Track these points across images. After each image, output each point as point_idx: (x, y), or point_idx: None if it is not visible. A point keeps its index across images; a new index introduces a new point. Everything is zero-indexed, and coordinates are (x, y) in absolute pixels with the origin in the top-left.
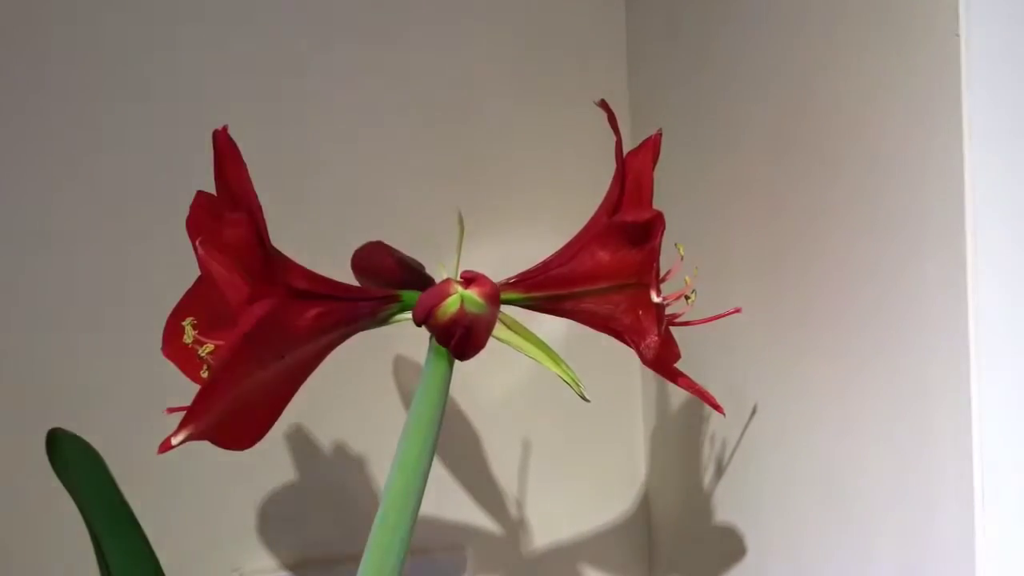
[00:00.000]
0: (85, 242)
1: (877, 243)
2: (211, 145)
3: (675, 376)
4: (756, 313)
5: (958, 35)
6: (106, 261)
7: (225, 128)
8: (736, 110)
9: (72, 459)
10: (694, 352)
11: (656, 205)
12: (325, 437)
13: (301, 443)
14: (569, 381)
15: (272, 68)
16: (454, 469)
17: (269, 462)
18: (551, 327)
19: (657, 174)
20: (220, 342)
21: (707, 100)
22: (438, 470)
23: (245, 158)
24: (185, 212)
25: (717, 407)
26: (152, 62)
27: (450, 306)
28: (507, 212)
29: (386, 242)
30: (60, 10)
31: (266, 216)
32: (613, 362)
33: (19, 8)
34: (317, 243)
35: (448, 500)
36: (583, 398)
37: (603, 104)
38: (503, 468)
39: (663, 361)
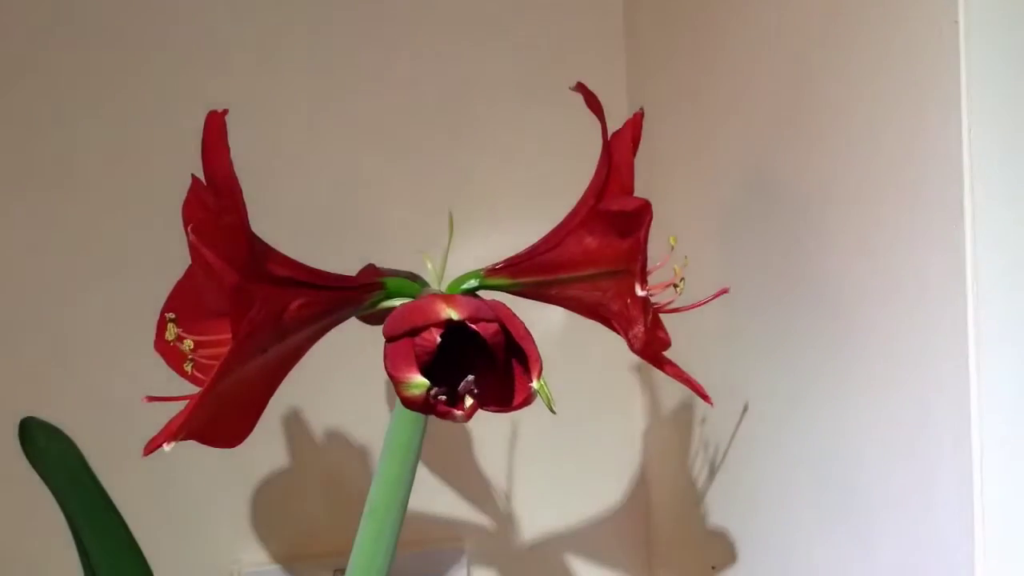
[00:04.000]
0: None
1: (876, 235)
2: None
3: (663, 364)
4: (755, 308)
5: (957, 22)
6: (90, 250)
7: (223, 112)
8: (735, 106)
9: (46, 449)
10: (693, 346)
11: (658, 198)
12: (320, 428)
13: (296, 435)
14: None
15: (273, 67)
16: (452, 462)
17: (265, 454)
18: (549, 320)
19: (659, 169)
20: (204, 337)
21: (705, 97)
22: (436, 463)
23: (247, 155)
24: (172, 201)
25: (705, 396)
26: (150, 58)
27: (413, 388)
28: (506, 209)
29: (384, 241)
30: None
31: (265, 213)
32: (612, 357)
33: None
34: (316, 240)
35: (446, 493)
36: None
37: (580, 87)
38: (501, 461)
39: (651, 349)
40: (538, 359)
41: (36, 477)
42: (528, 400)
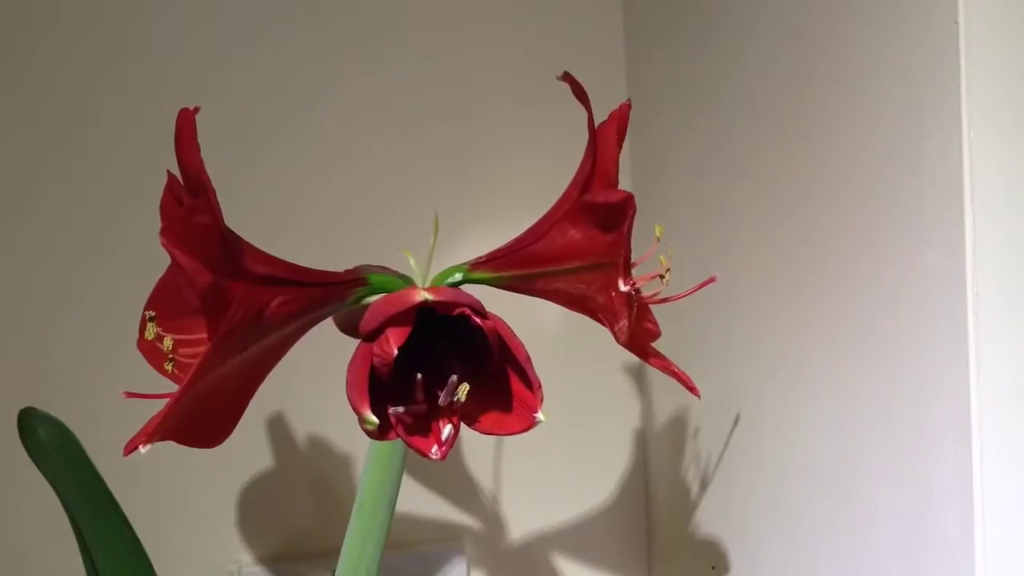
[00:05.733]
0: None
1: (875, 235)
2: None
3: (649, 356)
4: (753, 308)
5: (957, 22)
6: (94, 245)
7: (195, 109)
8: (734, 105)
9: (45, 441)
10: (693, 346)
11: (659, 199)
12: (321, 428)
13: (297, 434)
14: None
15: (272, 67)
16: (451, 462)
17: (266, 454)
18: (549, 321)
19: (659, 169)
20: (184, 336)
21: (705, 95)
22: (435, 463)
23: (249, 152)
24: None
25: (692, 388)
26: (144, 58)
27: (366, 424)
28: (504, 211)
29: (380, 241)
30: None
31: (267, 211)
32: (612, 356)
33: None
34: (315, 239)
35: (445, 493)
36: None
37: (566, 76)
38: (500, 461)
39: (637, 341)
40: (540, 386)
41: (36, 469)
42: (527, 429)
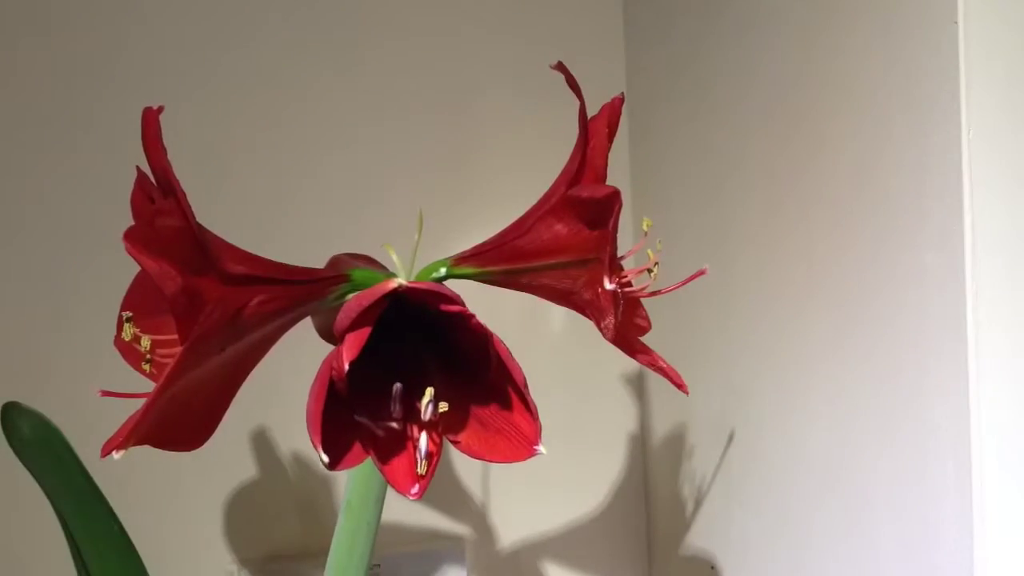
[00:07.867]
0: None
1: (875, 234)
2: (190, 135)
3: (636, 353)
4: (754, 308)
5: (956, 23)
6: (81, 239)
7: (159, 108)
8: (733, 105)
9: (29, 436)
10: (692, 347)
11: (657, 197)
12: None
13: (297, 433)
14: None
15: (272, 63)
16: (451, 463)
17: (266, 453)
18: (550, 323)
19: (658, 167)
20: (161, 336)
21: (704, 94)
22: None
23: (247, 148)
24: None
25: (681, 385)
26: (143, 54)
27: (321, 461)
28: (498, 208)
29: (376, 239)
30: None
31: (265, 208)
32: (613, 355)
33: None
34: (305, 235)
35: (445, 494)
36: None
37: (560, 66)
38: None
39: (624, 338)
40: (538, 415)
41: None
42: (525, 459)
